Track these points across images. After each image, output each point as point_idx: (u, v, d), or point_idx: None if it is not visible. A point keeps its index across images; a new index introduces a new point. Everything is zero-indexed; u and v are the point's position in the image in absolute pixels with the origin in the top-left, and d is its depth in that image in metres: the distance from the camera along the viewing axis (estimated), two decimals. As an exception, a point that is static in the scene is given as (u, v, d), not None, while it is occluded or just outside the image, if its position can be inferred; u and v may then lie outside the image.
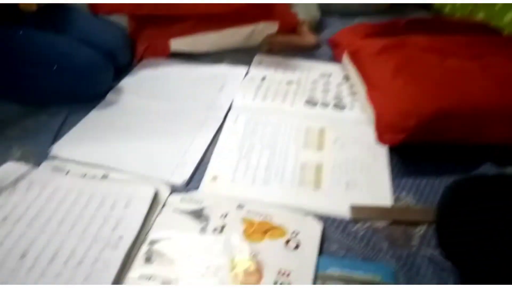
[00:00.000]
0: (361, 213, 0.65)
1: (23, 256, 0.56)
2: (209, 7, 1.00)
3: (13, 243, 0.57)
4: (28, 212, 0.62)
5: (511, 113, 0.74)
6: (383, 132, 0.76)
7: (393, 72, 0.82)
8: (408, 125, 0.72)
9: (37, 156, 0.74)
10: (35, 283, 0.53)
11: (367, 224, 0.63)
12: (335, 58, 1.06)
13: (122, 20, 1.07)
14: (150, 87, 0.95)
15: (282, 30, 1.11)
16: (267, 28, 1.10)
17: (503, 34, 1.02)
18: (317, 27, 1.23)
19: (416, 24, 1.03)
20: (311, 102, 0.90)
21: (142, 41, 1.03)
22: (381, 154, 0.76)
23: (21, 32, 0.85)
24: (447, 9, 1.27)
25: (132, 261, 0.56)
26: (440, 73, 0.81)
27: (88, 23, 0.98)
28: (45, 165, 0.72)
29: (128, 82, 0.96)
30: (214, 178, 0.71)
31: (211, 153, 0.76)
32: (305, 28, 1.16)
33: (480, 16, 1.15)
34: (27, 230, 0.59)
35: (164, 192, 0.67)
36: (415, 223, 0.64)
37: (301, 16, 1.17)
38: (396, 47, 0.90)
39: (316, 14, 1.23)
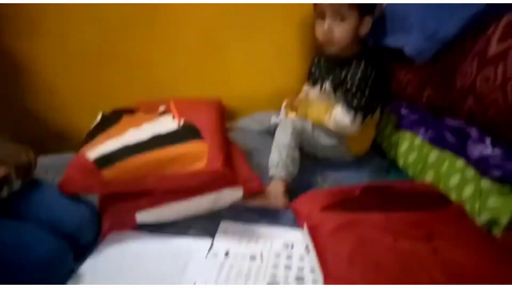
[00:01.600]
0: None
1: None
2: (176, 182, 1.05)
3: None
4: None
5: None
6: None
7: (348, 258, 0.86)
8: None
9: None
10: None
11: None
12: (298, 223, 1.09)
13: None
14: (111, 271, 0.94)
15: (247, 194, 1.16)
16: (231, 194, 1.15)
17: (451, 201, 1.09)
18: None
19: (370, 193, 1.09)
20: (273, 283, 0.91)
21: (106, 217, 1.05)
22: None
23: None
24: (401, 163, 1.36)
25: None
26: (393, 259, 0.85)
27: (55, 204, 1.00)
28: None
29: (89, 266, 0.95)
30: None
31: None
32: (277, 189, 1.21)
33: (430, 175, 1.23)
34: None
35: None
36: None
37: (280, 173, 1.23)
38: (351, 225, 0.95)
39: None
